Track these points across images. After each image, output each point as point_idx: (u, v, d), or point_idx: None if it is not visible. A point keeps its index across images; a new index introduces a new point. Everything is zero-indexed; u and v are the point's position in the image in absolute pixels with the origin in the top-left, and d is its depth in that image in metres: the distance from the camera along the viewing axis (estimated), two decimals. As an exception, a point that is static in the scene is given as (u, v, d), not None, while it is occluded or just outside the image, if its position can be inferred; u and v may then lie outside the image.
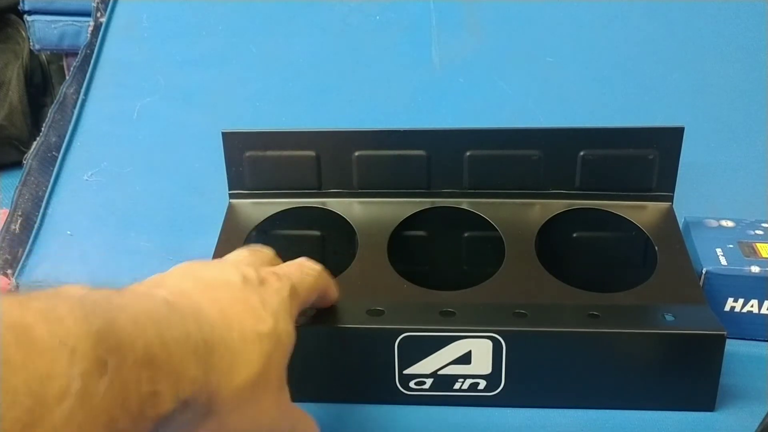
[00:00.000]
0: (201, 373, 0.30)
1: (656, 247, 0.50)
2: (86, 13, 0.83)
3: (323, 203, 0.55)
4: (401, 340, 0.44)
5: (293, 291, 0.38)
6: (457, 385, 0.45)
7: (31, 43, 1.10)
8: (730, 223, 0.56)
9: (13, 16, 1.27)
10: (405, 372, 0.45)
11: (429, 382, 0.45)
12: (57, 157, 0.67)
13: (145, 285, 0.34)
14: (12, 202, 0.64)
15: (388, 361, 0.45)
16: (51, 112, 0.71)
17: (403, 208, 0.54)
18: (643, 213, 0.53)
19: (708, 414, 0.45)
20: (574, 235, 0.55)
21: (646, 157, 0.52)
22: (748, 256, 0.51)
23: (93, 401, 0.24)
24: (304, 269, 0.41)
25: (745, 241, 0.53)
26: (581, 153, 0.52)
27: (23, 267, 0.61)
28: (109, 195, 0.65)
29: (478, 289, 0.48)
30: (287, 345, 0.36)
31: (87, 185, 0.66)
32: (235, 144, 0.54)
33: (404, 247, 0.53)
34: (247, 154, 0.54)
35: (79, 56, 0.76)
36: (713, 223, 0.56)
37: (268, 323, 0.34)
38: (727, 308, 0.51)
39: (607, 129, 0.52)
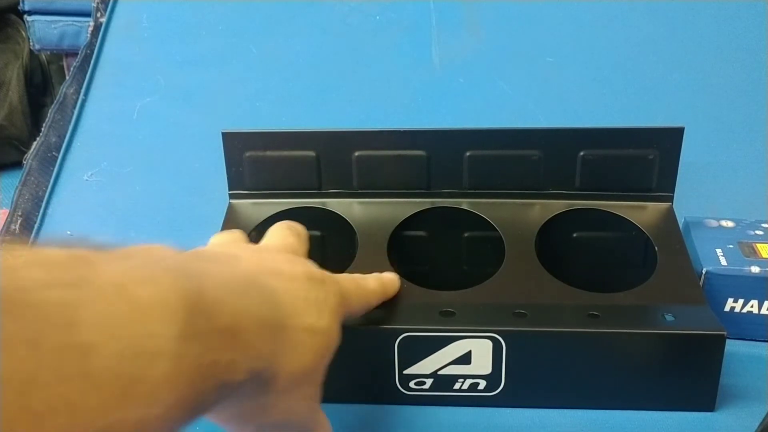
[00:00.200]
0: (270, 350, 0.32)
1: (656, 247, 0.50)
2: (86, 13, 0.83)
3: (323, 203, 0.55)
4: (401, 340, 0.44)
5: (345, 298, 0.39)
6: (457, 385, 0.45)
7: (31, 43, 1.11)
8: (730, 223, 0.56)
9: (13, 16, 1.27)
10: (405, 372, 0.45)
11: (429, 382, 0.45)
12: (57, 157, 0.67)
13: (222, 254, 0.36)
14: (12, 202, 0.64)
15: (388, 361, 0.45)
16: (51, 112, 0.71)
17: (403, 209, 0.54)
18: (643, 213, 0.53)
19: (708, 414, 0.45)
20: (574, 235, 0.55)
21: (646, 157, 0.52)
22: (748, 256, 0.51)
23: (183, 362, 0.25)
24: (359, 285, 0.43)
25: (745, 241, 0.53)
26: (581, 153, 0.52)
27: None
28: (109, 195, 0.65)
29: (478, 289, 0.48)
30: (334, 346, 0.37)
31: (87, 185, 0.66)
32: (235, 144, 0.54)
33: (404, 247, 0.53)
34: (247, 154, 0.54)
35: (79, 56, 0.76)
36: (713, 223, 0.56)
37: (325, 321, 0.36)
38: (727, 308, 0.51)
39: (607, 129, 0.52)
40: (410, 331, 0.44)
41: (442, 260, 0.56)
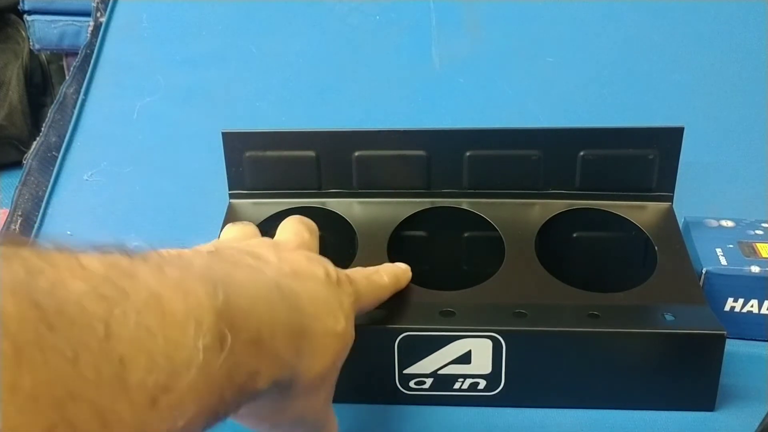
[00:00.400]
0: (293, 357, 0.32)
1: (656, 247, 0.50)
2: (86, 13, 0.83)
3: (323, 203, 0.55)
4: (401, 339, 0.44)
5: (359, 297, 0.40)
6: (457, 385, 0.45)
7: (31, 43, 1.11)
8: (730, 223, 0.56)
9: (13, 16, 1.27)
10: (405, 372, 0.45)
11: (429, 381, 0.45)
12: (57, 157, 0.67)
13: (245, 255, 0.36)
14: (12, 202, 0.64)
15: (388, 360, 0.45)
16: (51, 112, 0.71)
17: (403, 208, 0.54)
18: (643, 213, 0.53)
19: (708, 414, 0.45)
20: (574, 235, 0.55)
21: (646, 157, 0.52)
22: (748, 256, 0.51)
23: (211, 373, 0.26)
24: (372, 282, 0.43)
25: (745, 241, 0.53)
26: (581, 153, 0.52)
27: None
28: (109, 195, 0.65)
29: (478, 289, 0.48)
30: (350, 346, 0.38)
31: (87, 185, 0.66)
32: (235, 144, 0.54)
33: (404, 247, 0.53)
34: (247, 154, 0.54)
35: (79, 56, 0.76)
36: (713, 223, 0.56)
37: (342, 323, 0.36)
38: (727, 308, 0.51)
39: (607, 129, 0.52)
40: (410, 331, 0.44)
41: (442, 260, 0.56)
